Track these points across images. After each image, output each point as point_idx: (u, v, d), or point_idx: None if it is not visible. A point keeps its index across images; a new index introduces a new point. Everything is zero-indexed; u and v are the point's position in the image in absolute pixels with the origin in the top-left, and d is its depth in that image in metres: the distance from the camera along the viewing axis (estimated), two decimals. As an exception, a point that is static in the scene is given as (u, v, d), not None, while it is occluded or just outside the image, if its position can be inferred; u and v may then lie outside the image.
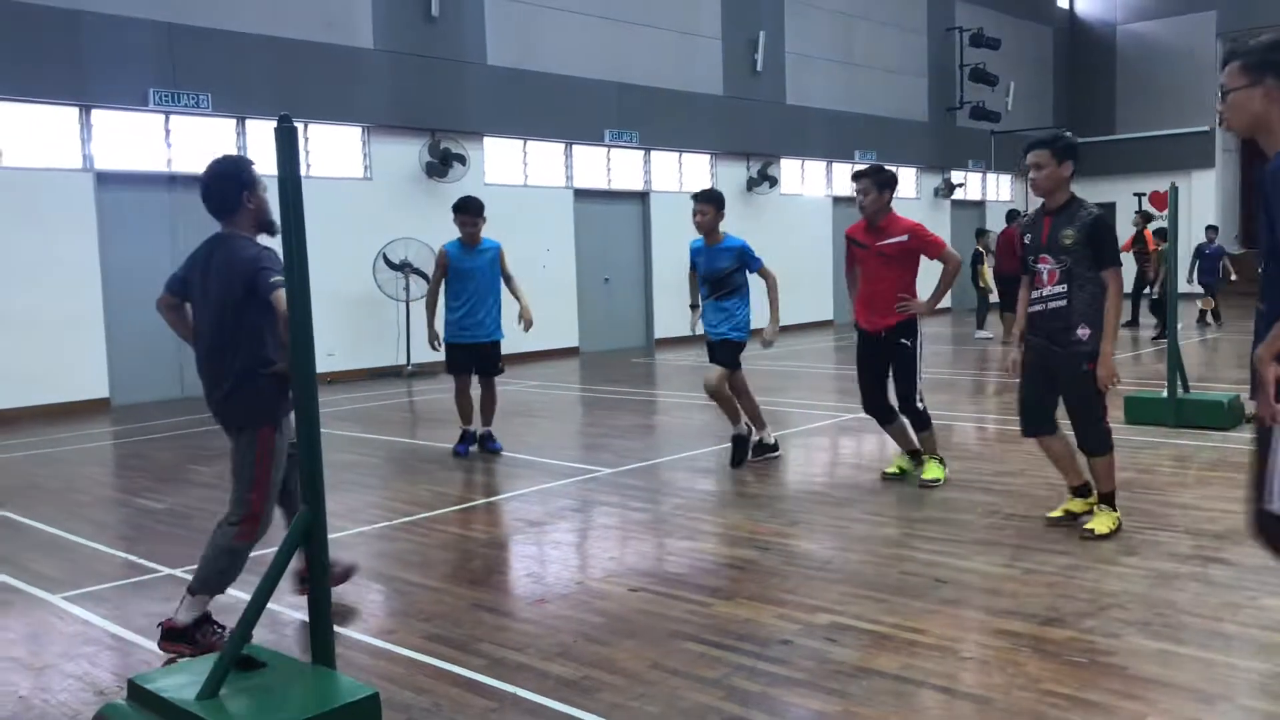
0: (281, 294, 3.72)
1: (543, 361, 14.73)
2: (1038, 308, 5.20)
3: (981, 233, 18.39)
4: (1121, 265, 5.17)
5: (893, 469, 6.61)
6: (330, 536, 3.26)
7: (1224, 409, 7.91)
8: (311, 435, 3.11)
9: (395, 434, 9.24)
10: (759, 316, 7.07)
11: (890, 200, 6.36)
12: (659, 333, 17.19)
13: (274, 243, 3.85)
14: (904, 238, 6.25)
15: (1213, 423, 7.83)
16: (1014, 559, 4.83)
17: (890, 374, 6.43)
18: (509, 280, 7.99)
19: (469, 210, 7.74)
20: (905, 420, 6.51)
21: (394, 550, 5.38)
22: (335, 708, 2.84)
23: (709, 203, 7.01)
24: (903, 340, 6.30)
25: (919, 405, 6.35)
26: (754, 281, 7.13)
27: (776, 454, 7.33)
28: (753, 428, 7.29)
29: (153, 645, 4.06)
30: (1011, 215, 17.53)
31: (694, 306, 7.37)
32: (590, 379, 13.21)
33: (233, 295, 3.84)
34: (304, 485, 3.11)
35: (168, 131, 11.86)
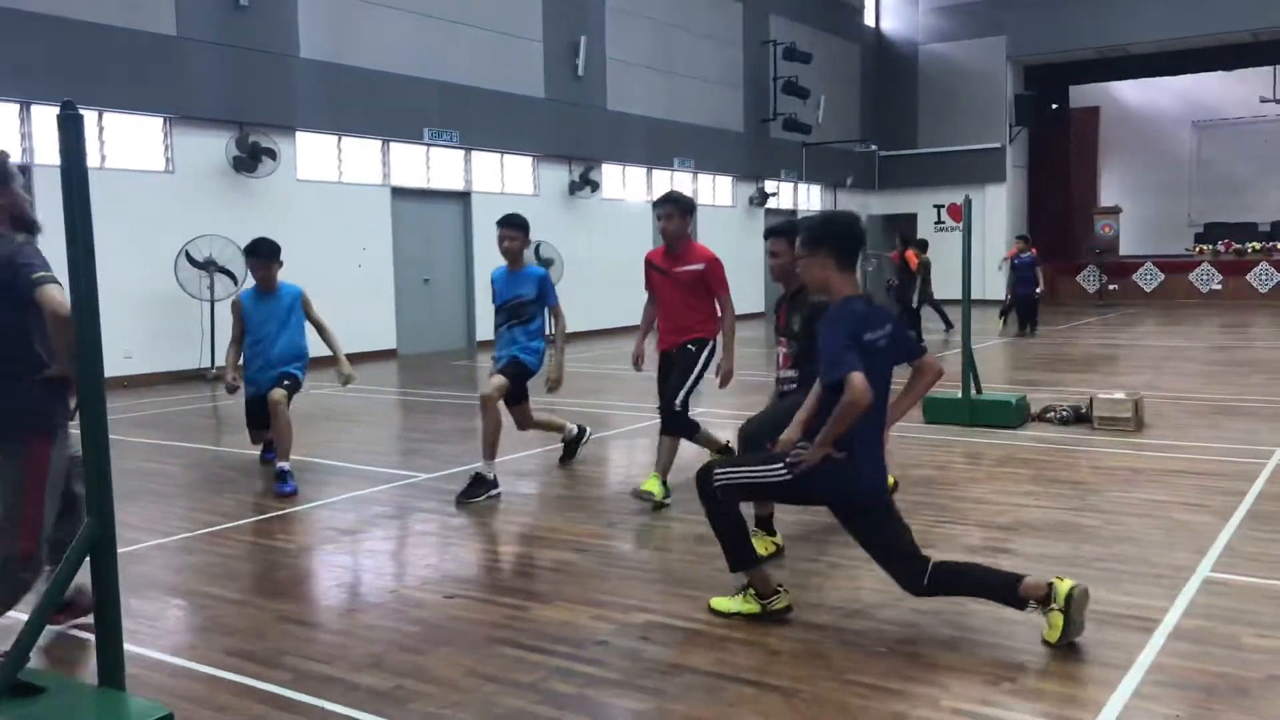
0: (50, 289, 3.43)
1: (358, 364, 14.26)
2: (782, 387, 5.18)
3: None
4: None
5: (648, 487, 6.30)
6: (125, 550, 3.07)
7: (1012, 408, 8.46)
8: (98, 442, 2.92)
9: (198, 440, 8.80)
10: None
11: (690, 226, 6.36)
12: (480, 334, 17.01)
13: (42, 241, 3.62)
14: (700, 266, 6.21)
15: (1002, 421, 8.36)
16: (819, 553, 5.02)
17: (667, 378, 6.28)
18: (321, 329, 7.13)
19: (259, 254, 7.01)
20: (706, 429, 6.51)
21: (195, 563, 5.12)
22: (123, 732, 2.68)
23: (518, 229, 6.68)
24: (689, 346, 6.22)
25: (677, 407, 6.17)
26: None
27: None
28: (565, 431, 7.31)
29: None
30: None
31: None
32: (408, 382, 12.95)
33: None
34: (90, 495, 2.92)
35: (-60, 115, 10.94)
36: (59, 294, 3.41)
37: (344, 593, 4.70)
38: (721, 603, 4.25)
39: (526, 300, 6.69)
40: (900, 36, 28.52)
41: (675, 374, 6.23)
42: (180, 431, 9.16)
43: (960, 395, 8.59)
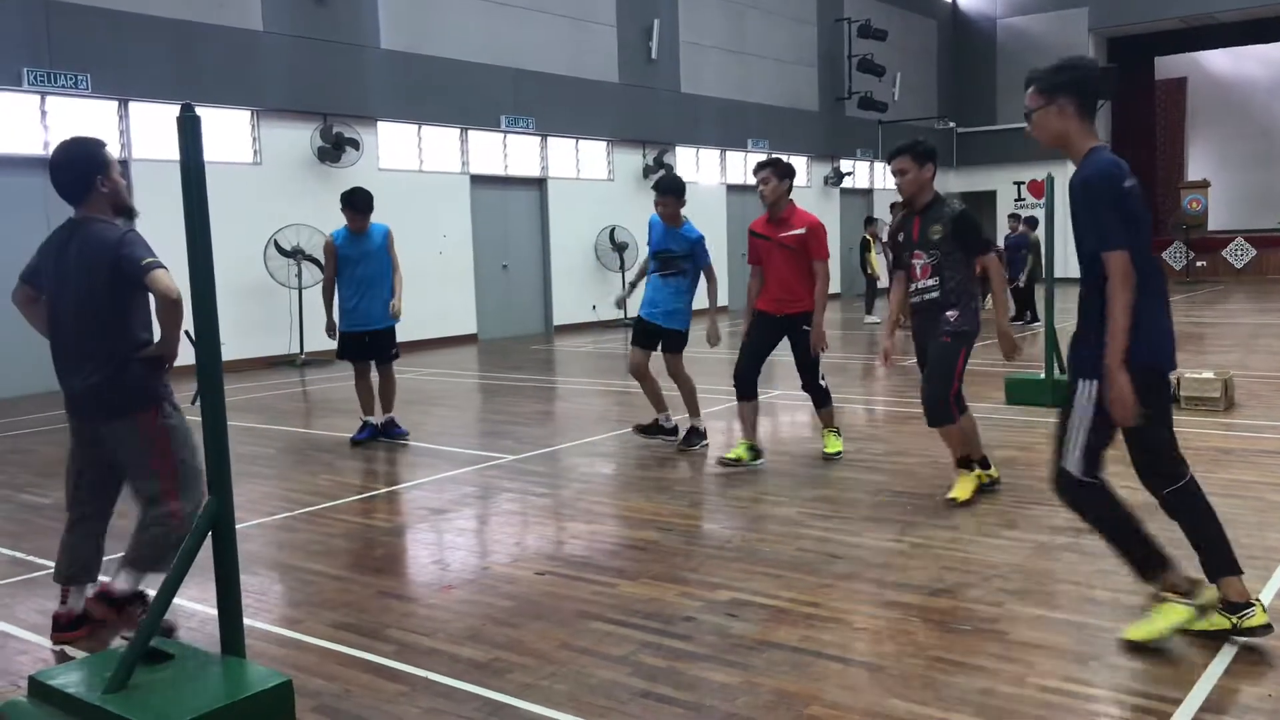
0: (159, 274, 3.68)
1: (441, 349, 14.63)
2: (916, 299, 5.58)
3: (870, 220, 18.87)
4: (993, 252, 5.54)
5: (733, 455, 6.62)
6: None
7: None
8: (217, 425, 3.10)
9: (291, 424, 9.11)
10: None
11: (790, 190, 6.53)
12: (558, 319, 17.24)
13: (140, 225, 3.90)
14: (802, 230, 6.42)
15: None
16: (902, 534, 5.06)
17: (793, 357, 6.62)
18: (394, 268, 7.90)
19: (356, 206, 7.69)
20: (759, 404, 6.77)
21: (297, 540, 5.35)
22: (247, 696, 2.86)
23: (669, 194, 7.12)
24: (805, 326, 6.50)
25: (822, 383, 6.64)
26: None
27: (705, 442, 7.31)
28: (672, 415, 7.52)
29: (48, 642, 3.99)
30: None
31: (631, 285, 7.72)
32: (489, 366, 13.19)
33: (97, 280, 3.72)
34: (210, 475, 3.11)
35: (43, 113, 11.39)
36: (167, 278, 3.68)
37: (439, 569, 4.87)
38: (1143, 630, 3.57)
39: (676, 255, 7.08)
40: (977, 11, 27.98)
41: (807, 355, 6.55)
42: (273, 415, 9.49)
43: (1043, 376, 8.50)
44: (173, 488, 3.83)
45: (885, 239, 17.88)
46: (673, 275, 7.12)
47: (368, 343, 7.85)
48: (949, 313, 5.44)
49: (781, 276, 6.49)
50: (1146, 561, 3.61)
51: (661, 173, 7.06)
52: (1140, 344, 3.44)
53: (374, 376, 7.98)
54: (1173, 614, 3.54)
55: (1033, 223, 16.02)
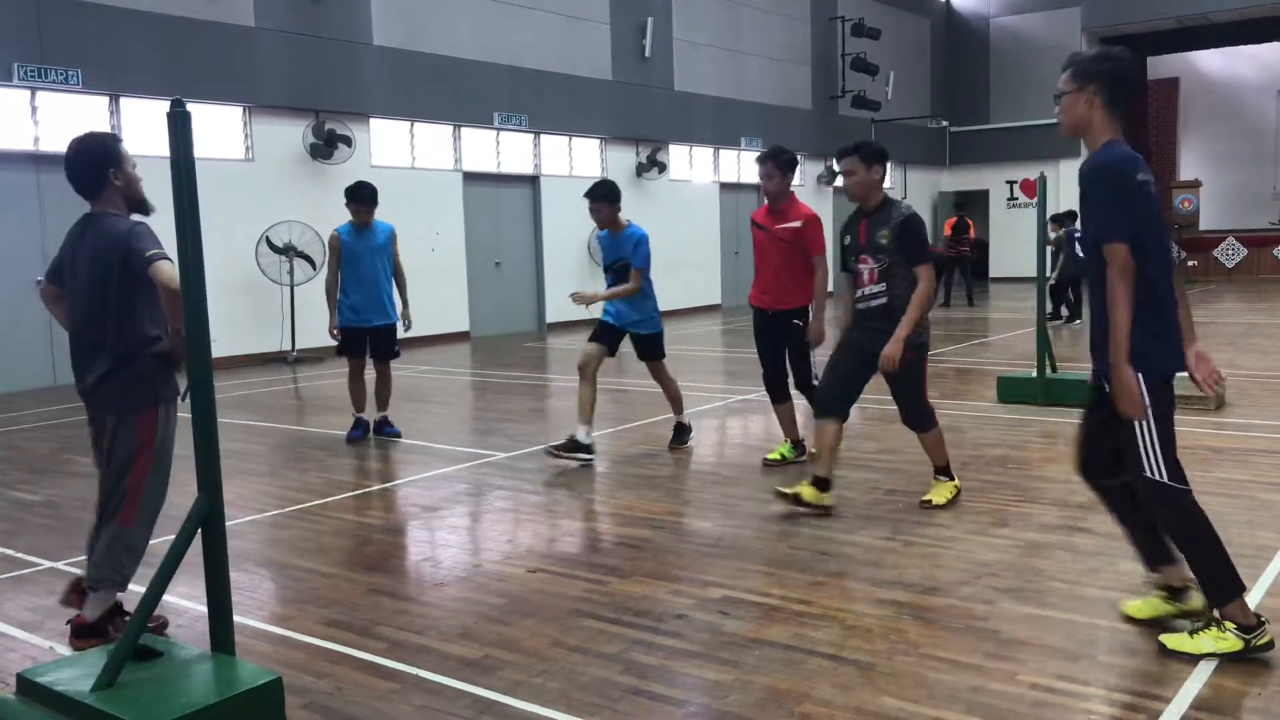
0: (163, 265, 3.65)
1: (433, 346, 14.61)
2: (862, 305, 5.41)
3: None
4: (932, 262, 5.36)
5: (774, 455, 6.65)
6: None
7: (1088, 387, 8.35)
8: (208, 422, 3.09)
9: (283, 421, 9.09)
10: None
11: (790, 183, 6.47)
12: (551, 317, 17.21)
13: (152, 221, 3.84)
14: (798, 224, 6.35)
15: (1078, 400, 8.24)
16: (894, 532, 5.06)
17: (786, 353, 6.57)
18: (398, 271, 7.95)
19: (360, 199, 7.72)
20: (797, 404, 6.67)
21: (288, 538, 5.33)
22: (237, 693, 2.85)
23: (601, 200, 6.95)
24: (795, 320, 6.43)
25: (815, 382, 6.35)
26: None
27: (692, 436, 7.41)
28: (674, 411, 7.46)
29: (37, 639, 3.98)
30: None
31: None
32: (482, 363, 13.17)
33: (108, 274, 3.71)
34: (201, 472, 3.09)
35: (34, 109, 11.34)
36: (171, 270, 3.58)
37: (430, 567, 4.86)
38: (1180, 641, 3.49)
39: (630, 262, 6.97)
40: (971, 10, 27.99)
41: (796, 355, 6.50)
42: (264, 412, 9.47)
43: (1035, 374, 8.52)
44: (138, 492, 3.79)
45: None
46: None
47: (369, 340, 7.85)
48: None
49: (773, 270, 6.45)
50: (1218, 584, 3.41)
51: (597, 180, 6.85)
52: (1158, 351, 3.49)
53: (369, 375, 7.96)
54: (1222, 642, 3.41)
55: (1058, 219, 15.41)
